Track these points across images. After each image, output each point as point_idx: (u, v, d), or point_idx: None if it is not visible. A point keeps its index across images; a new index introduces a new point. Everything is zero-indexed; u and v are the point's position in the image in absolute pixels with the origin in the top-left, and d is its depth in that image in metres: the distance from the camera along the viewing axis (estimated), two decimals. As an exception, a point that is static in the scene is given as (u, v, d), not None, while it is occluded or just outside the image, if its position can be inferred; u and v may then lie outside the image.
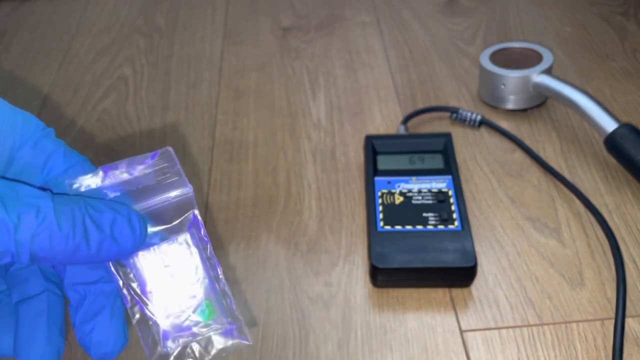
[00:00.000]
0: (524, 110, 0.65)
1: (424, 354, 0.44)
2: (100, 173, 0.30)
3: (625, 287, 0.46)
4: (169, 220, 0.31)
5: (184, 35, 0.82)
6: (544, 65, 0.62)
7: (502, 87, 0.63)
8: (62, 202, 0.27)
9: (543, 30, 0.77)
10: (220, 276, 0.32)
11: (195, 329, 0.32)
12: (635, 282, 0.48)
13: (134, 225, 0.28)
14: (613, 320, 0.45)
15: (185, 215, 0.31)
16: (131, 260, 0.31)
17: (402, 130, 0.61)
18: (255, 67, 0.75)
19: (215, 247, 0.54)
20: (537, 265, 0.50)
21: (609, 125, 0.56)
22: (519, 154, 0.60)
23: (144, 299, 0.31)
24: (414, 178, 0.54)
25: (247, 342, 0.32)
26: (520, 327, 0.46)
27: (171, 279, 0.31)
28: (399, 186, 0.53)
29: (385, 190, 0.53)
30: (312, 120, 0.66)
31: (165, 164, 0.31)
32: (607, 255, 0.50)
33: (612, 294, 0.47)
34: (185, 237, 0.31)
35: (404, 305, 0.48)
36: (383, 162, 0.56)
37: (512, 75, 0.62)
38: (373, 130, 0.64)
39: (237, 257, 0.52)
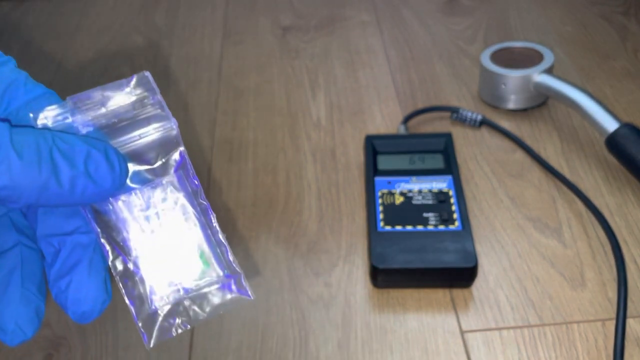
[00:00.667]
0: (525, 110, 0.64)
1: (424, 355, 0.44)
2: (70, 104, 0.26)
3: (627, 288, 0.46)
4: (152, 160, 0.27)
5: (184, 34, 0.82)
6: (545, 64, 0.62)
7: (503, 86, 0.63)
8: (23, 132, 0.23)
9: (544, 29, 0.77)
10: (214, 223, 0.28)
11: (186, 284, 0.28)
12: (636, 283, 0.47)
13: (112, 161, 0.25)
14: (614, 321, 0.45)
15: (171, 154, 0.27)
16: (110, 207, 0.27)
17: (402, 130, 0.61)
18: (255, 67, 0.75)
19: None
20: (537, 265, 0.49)
21: (610, 125, 0.55)
22: (519, 154, 0.60)
23: (127, 250, 0.27)
24: (414, 178, 0.54)
25: (248, 298, 0.29)
26: (520, 327, 0.45)
27: (157, 228, 0.28)
28: (399, 186, 0.53)
29: (385, 190, 0.53)
30: (312, 120, 0.66)
31: (145, 93, 0.27)
32: (608, 256, 0.50)
33: (613, 294, 0.47)
34: (172, 179, 0.28)
35: (404, 306, 0.48)
36: (383, 162, 0.56)
37: (512, 75, 0.62)
38: (373, 130, 0.64)
39: (237, 257, 0.52)
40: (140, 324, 0.28)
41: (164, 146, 0.27)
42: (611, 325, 0.45)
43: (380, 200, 0.52)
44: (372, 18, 0.82)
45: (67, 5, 0.91)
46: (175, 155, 0.28)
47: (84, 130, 0.26)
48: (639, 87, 0.67)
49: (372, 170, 0.55)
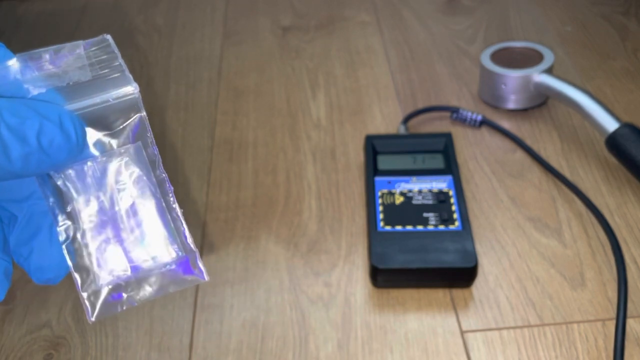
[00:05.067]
0: (525, 110, 0.64)
1: (424, 355, 0.44)
2: (17, 62, 0.24)
3: (627, 288, 0.46)
4: (110, 125, 0.25)
5: (183, 34, 0.82)
6: (545, 64, 0.62)
7: (503, 86, 0.63)
8: None
9: (544, 29, 0.77)
10: (172, 198, 0.27)
11: (136, 262, 0.26)
12: (636, 283, 0.47)
13: (67, 131, 0.23)
14: (614, 321, 0.45)
15: (130, 120, 0.25)
16: (61, 175, 0.26)
17: (402, 130, 0.61)
18: (254, 67, 0.75)
19: (215, 248, 0.54)
20: (537, 265, 0.49)
21: (610, 125, 0.55)
22: (519, 154, 0.60)
23: (76, 220, 0.26)
24: (414, 178, 0.54)
25: (202, 279, 0.27)
26: (521, 327, 0.45)
27: (109, 201, 0.26)
28: (399, 186, 0.53)
29: (385, 190, 0.53)
30: (312, 120, 0.66)
31: (104, 56, 0.25)
32: (608, 256, 0.50)
33: (613, 294, 0.47)
34: (129, 148, 0.26)
35: (404, 306, 0.48)
36: (383, 162, 0.56)
37: (512, 75, 0.62)
38: (373, 130, 0.64)
39: (237, 257, 0.52)
40: (84, 296, 0.26)
41: (122, 112, 0.25)
42: (611, 325, 0.45)
43: (380, 200, 0.52)
44: (372, 18, 0.82)
45: (67, 5, 0.91)
46: (133, 121, 0.26)
47: (35, 92, 0.24)
48: (638, 86, 0.67)
49: (372, 170, 0.55)
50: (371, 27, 0.81)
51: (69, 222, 0.26)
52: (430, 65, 0.73)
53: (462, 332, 0.45)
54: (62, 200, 0.26)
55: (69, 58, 0.25)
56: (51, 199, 0.26)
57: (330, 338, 0.46)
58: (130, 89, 0.25)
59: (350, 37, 0.79)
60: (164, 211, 0.27)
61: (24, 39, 0.85)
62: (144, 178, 0.26)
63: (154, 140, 0.26)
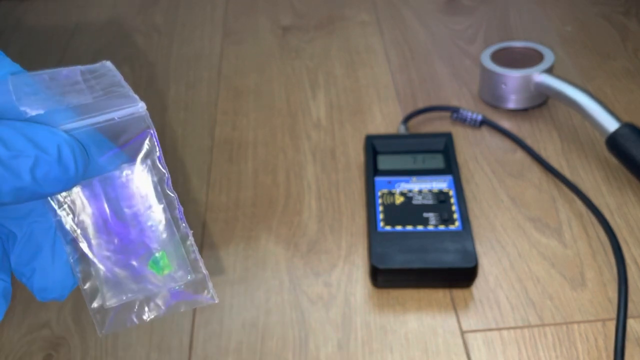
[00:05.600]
0: (525, 110, 0.64)
1: (424, 355, 0.44)
2: (15, 82, 0.23)
3: (627, 288, 0.46)
4: (115, 143, 0.24)
5: (183, 34, 0.82)
6: (545, 64, 0.62)
7: (503, 86, 0.63)
8: None
9: (544, 29, 0.77)
10: (181, 218, 0.26)
11: (146, 284, 0.25)
12: (636, 283, 0.47)
13: (66, 163, 0.22)
14: (614, 321, 0.45)
15: (135, 137, 0.24)
16: (66, 193, 0.25)
17: (402, 130, 0.61)
18: (254, 67, 0.75)
19: (215, 248, 0.54)
20: (538, 265, 0.49)
21: (611, 125, 0.55)
22: (519, 154, 0.60)
23: (81, 236, 0.25)
24: (414, 178, 0.54)
25: (212, 302, 0.26)
26: (521, 327, 0.45)
27: (116, 218, 0.25)
28: (399, 186, 0.53)
29: (385, 190, 0.53)
30: (312, 120, 0.66)
31: (105, 81, 0.24)
32: (609, 256, 0.50)
33: (613, 294, 0.47)
34: (137, 166, 0.25)
35: (405, 306, 0.47)
36: (383, 162, 0.56)
37: (513, 75, 0.62)
38: (373, 130, 0.64)
39: (237, 257, 0.52)
40: (93, 312, 0.26)
41: (130, 129, 0.24)
42: (612, 326, 0.45)
43: (380, 200, 0.52)
44: (372, 18, 0.82)
45: (67, 5, 0.91)
46: (142, 139, 0.25)
47: (33, 113, 0.22)
48: (639, 86, 0.66)
49: (372, 170, 0.55)
50: (371, 27, 0.81)
51: (74, 239, 0.25)
52: (430, 65, 0.73)
53: (462, 332, 0.45)
54: (67, 217, 0.25)
55: (66, 82, 0.24)
56: (55, 216, 0.25)
57: (330, 338, 0.46)
58: (136, 109, 0.24)
59: (350, 37, 0.79)
60: (173, 232, 0.26)
61: (23, 38, 0.85)
62: (153, 196, 0.25)
63: (163, 159, 0.25)
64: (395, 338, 0.45)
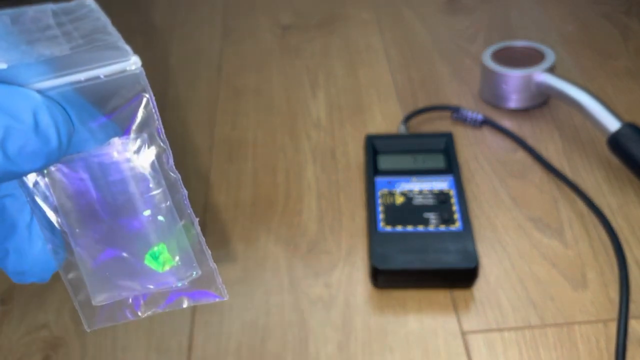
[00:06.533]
0: (526, 109, 0.64)
1: (425, 356, 0.44)
2: None
3: (629, 288, 0.46)
4: (103, 110, 0.19)
5: (182, 33, 0.82)
6: (546, 64, 0.62)
7: (504, 86, 0.63)
8: None
9: (545, 29, 0.77)
10: (185, 202, 0.21)
11: (140, 282, 0.21)
12: (638, 283, 0.47)
13: (45, 133, 0.17)
14: (616, 322, 0.44)
15: (128, 102, 0.19)
16: (45, 171, 0.20)
17: (402, 129, 0.61)
18: (254, 66, 0.75)
19: (214, 248, 0.53)
20: (539, 266, 0.49)
21: (612, 124, 0.55)
22: (520, 154, 0.59)
23: (62, 224, 0.21)
24: (414, 178, 0.53)
25: (220, 299, 0.23)
26: (522, 328, 0.45)
27: (104, 205, 0.20)
28: (399, 186, 0.53)
29: (385, 191, 0.53)
30: (312, 119, 0.66)
31: (86, 27, 0.19)
32: (610, 256, 0.49)
33: (614, 295, 0.47)
34: (130, 140, 0.20)
35: (405, 307, 0.47)
36: (384, 162, 0.56)
37: (514, 74, 0.62)
38: (373, 130, 0.63)
39: (236, 257, 0.52)
40: (79, 305, 0.22)
41: (120, 92, 0.19)
42: (613, 326, 0.45)
43: (380, 200, 0.52)
44: (373, 17, 0.82)
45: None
46: (136, 105, 0.19)
47: None
48: (640, 86, 0.66)
49: (373, 170, 0.55)
50: (371, 26, 0.80)
51: (52, 225, 0.21)
52: (430, 64, 0.72)
53: (463, 333, 0.45)
54: (44, 201, 0.20)
55: (33, 26, 0.18)
56: (31, 196, 0.20)
57: (330, 339, 0.46)
58: (128, 63, 0.19)
59: (350, 36, 0.79)
60: (176, 220, 0.21)
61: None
62: (150, 178, 0.21)
63: (162, 131, 0.20)
64: (395, 339, 0.45)
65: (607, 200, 0.54)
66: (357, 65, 0.73)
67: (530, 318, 0.46)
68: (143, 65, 0.19)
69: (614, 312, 0.46)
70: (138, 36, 0.82)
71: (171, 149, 0.22)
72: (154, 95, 0.20)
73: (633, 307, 0.45)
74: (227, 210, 0.56)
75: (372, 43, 0.77)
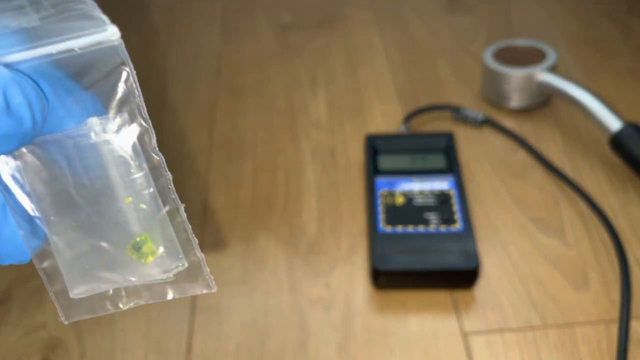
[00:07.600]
0: (527, 109, 0.64)
1: (425, 357, 0.44)
2: None
3: (630, 289, 0.46)
4: (80, 85, 0.18)
5: (182, 32, 0.82)
6: (548, 63, 0.62)
7: (505, 85, 0.62)
8: None
9: (547, 28, 0.77)
10: (170, 187, 0.20)
11: (121, 274, 0.20)
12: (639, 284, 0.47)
13: (17, 112, 0.16)
14: (617, 323, 0.44)
15: (105, 77, 0.17)
16: (16, 153, 0.18)
17: (403, 129, 0.61)
18: (254, 66, 0.74)
19: (214, 248, 0.53)
20: (540, 266, 0.49)
21: (614, 124, 0.55)
22: (522, 154, 0.59)
23: (35, 210, 0.19)
24: (415, 178, 0.53)
25: (208, 290, 0.21)
26: (523, 329, 0.45)
27: (80, 190, 0.19)
28: (400, 186, 0.53)
29: (386, 191, 0.52)
30: (312, 119, 0.65)
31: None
32: (611, 257, 0.49)
33: (616, 295, 0.46)
34: (108, 118, 0.18)
35: (405, 308, 0.47)
36: (384, 162, 0.55)
37: (515, 74, 0.62)
38: (373, 130, 0.63)
39: (236, 258, 0.52)
40: (55, 295, 0.21)
41: (97, 66, 0.17)
42: (615, 327, 0.44)
43: (380, 201, 0.51)
44: (373, 16, 0.82)
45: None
46: (115, 79, 0.18)
47: None
48: (642, 85, 0.66)
49: (373, 170, 0.55)
50: (371, 25, 0.80)
51: (26, 212, 0.19)
52: (431, 63, 0.72)
53: (464, 334, 0.45)
54: (13, 184, 0.19)
55: None
56: (0, 179, 0.18)
57: (330, 340, 0.45)
58: (105, 34, 0.17)
59: (350, 35, 0.78)
60: (160, 206, 0.20)
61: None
62: (131, 161, 0.19)
63: (145, 109, 0.19)
64: (396, 340, 0.45)
65: (608, 200, 0.54)
66: (357, 64, 0.73)
67: (531, 319, 0.45)
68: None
69: (615, 313, 0.45)
70: (137, 35, 0.82)
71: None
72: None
73: (634, 308, 0.45)
74: (226, 211, 0.56)
75: (372, 42, 0.77)
